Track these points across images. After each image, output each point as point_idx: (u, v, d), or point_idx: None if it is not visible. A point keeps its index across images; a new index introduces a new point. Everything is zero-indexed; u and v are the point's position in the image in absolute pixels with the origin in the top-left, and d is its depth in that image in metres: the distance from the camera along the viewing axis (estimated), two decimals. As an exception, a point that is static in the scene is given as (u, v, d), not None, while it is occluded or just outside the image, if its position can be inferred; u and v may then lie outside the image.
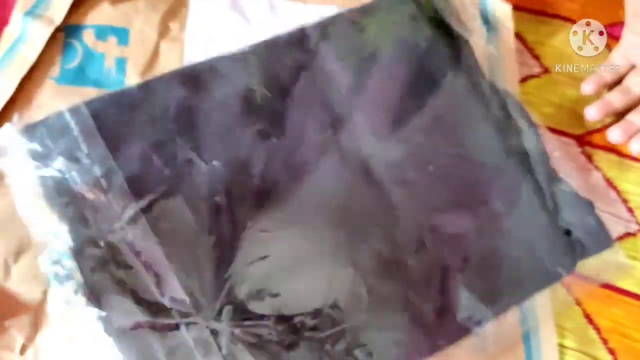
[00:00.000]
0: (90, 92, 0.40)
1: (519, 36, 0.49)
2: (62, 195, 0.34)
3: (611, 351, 0.40)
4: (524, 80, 0.48)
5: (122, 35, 0.41)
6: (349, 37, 0.40)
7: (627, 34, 0.46)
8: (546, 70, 0.49)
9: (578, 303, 0.40)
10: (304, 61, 0.39)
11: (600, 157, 0.46)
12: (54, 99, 0.39)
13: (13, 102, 0.38)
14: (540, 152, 0.40)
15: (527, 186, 0.40)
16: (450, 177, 0.39)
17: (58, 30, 0.41)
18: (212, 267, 0.34)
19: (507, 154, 0.40)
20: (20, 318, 0.34)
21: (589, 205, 0.39)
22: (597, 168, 0.46)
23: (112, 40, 0.41)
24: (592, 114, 0.44)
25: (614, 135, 0.43)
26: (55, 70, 0.40)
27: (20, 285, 0.35)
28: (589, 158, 0.46)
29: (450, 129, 0.40)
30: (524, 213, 0.39)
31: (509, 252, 0.38)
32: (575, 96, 0.47)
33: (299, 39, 0.40)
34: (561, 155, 0.41)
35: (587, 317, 0.41)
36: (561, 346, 0.40)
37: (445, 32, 0.42)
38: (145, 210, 0.34)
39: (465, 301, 0.36)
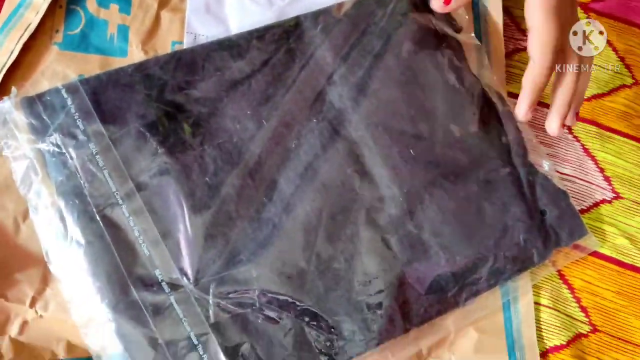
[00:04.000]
0: (93, 59, 0.41)
1: (506, 10, 0.50)
2: (59, 170, 0.35)
3: (583, 309, 0.43)
4: (510, 54, 0.50)
5: (123, 2, 0.42)
6: (342, 29, 0.41)
7: None
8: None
9: (553, 264, 0.43)
10: (299, 50, 0.40)
11: (579, 127, 0.48)
12: (57, 64, 0.40)
13: (17, 65, 0.40)
14: (519, 144, 0.43)
15: (505, 174, 0.41)
16: (432, 159, 0.40)
17: (61, -5, 0.42)
18: (203, 243, 0.35)
19: (489, 142, 0.42)
20: (30, 272, 0.36)
21: (565, 195, 0.42)
22: (576, 138, 0.48)
23: (114, 7, 0.42)
24: None
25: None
26: (59, 36, 0.41)
27: (30, 242, 0.37)
28: (569, 129, 0.48)
29: (435, 117, 0.41)
30: (501, 198, 0.41)
31: (485, 233, 0.40)
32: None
33: (294, 28, 0.41)
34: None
35: (562, 277, 0.44)
36: (537, 304, 0.42)
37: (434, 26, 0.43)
38: (140, 188, 0.36)
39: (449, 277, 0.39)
